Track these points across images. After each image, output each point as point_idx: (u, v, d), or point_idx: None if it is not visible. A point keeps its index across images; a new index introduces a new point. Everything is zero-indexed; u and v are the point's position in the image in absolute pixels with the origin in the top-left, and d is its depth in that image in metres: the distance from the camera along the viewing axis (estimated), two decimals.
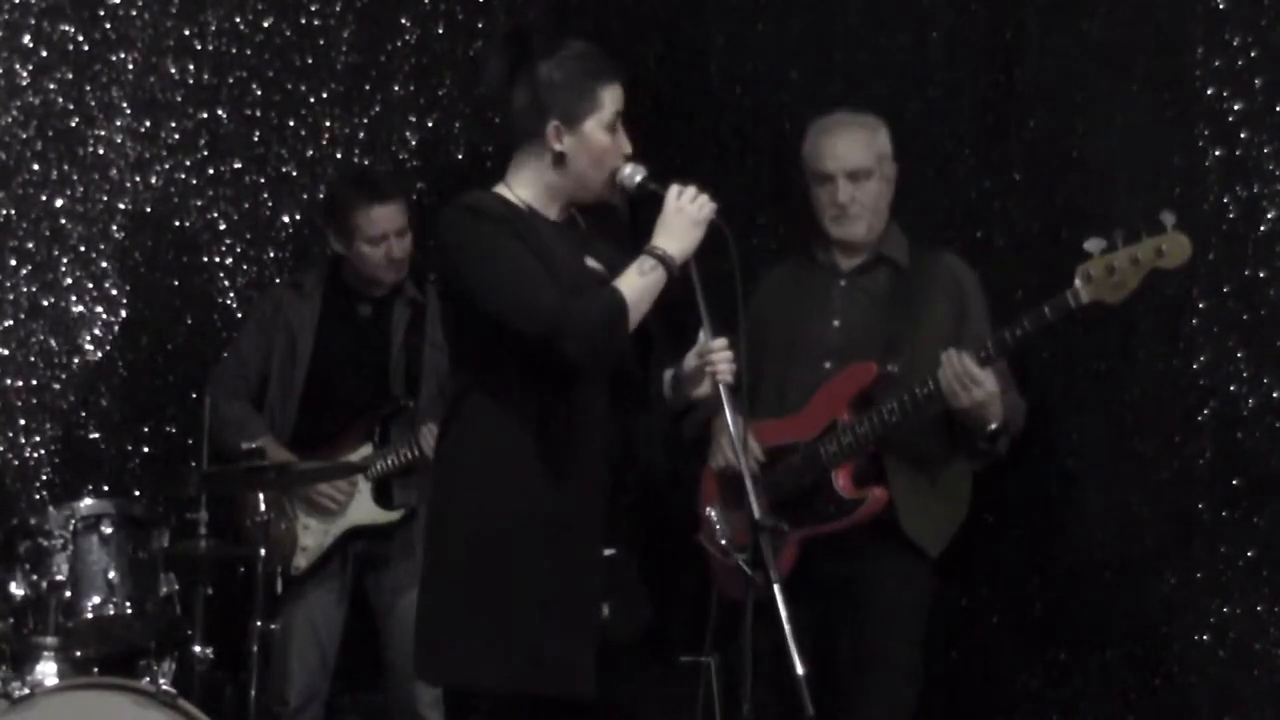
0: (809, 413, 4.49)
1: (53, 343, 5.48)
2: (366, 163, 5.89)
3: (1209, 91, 4.58)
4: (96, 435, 5.54)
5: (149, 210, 5.63)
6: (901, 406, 4.37)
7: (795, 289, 4.69)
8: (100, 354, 5.55)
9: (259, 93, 5.80)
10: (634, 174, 3.75)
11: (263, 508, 4.76)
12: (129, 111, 5.59)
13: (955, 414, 4.38)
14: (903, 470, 4.47)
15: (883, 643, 4.49)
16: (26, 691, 4.34)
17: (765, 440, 4.44)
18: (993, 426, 4.36)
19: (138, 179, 5.61)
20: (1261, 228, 4.49)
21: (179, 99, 5.67)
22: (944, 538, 4.55)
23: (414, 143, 6.03)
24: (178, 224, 5.68)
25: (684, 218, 3.67)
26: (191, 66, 5.69)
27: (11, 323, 5.43)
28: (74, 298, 5.52)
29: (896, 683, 4.50)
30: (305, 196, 5.85)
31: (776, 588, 3.36)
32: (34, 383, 5.45)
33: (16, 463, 5.41)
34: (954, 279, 4.59)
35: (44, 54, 5.48)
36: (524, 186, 3.79)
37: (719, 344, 3.64)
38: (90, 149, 5.54)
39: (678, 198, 3.68)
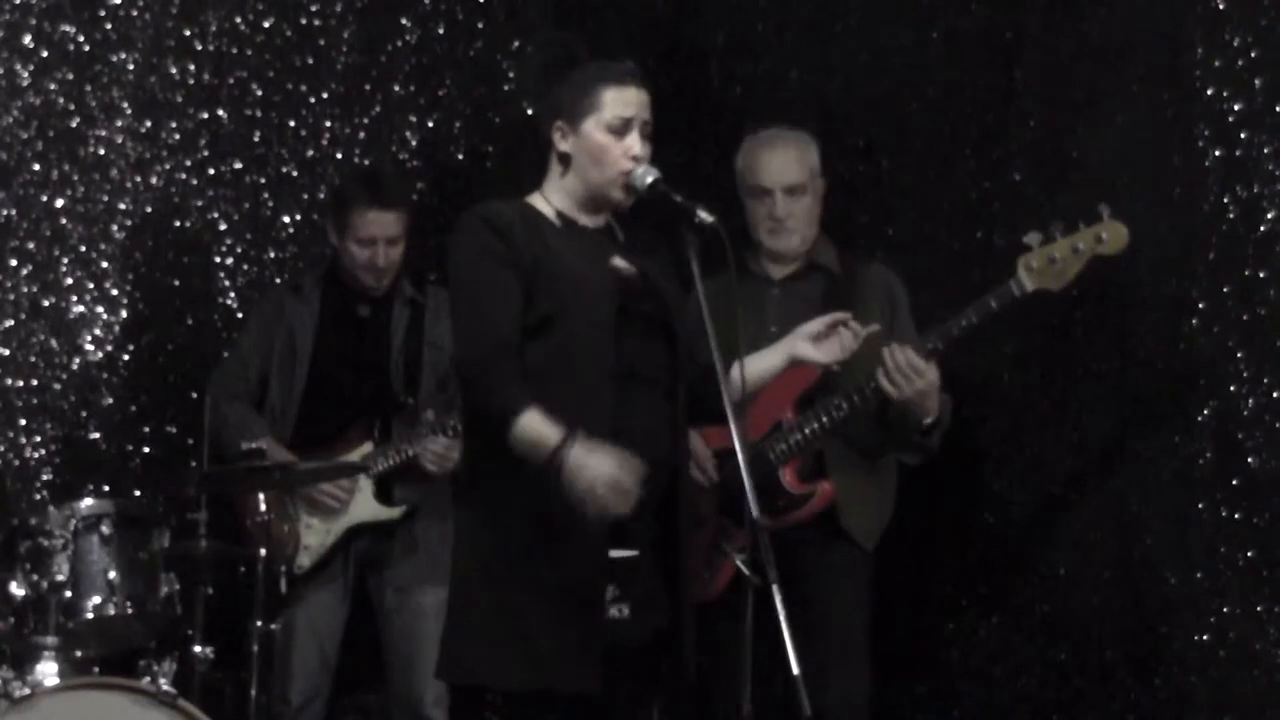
0: (753, 414, 4.50)
1: (53, 343, 5.48)
2: (367, 163, 5.89)
3: (1209, 91, 4.58)
4: (96, 435, 5.53)
5: (149, 210, 5.62)
6: (850, 403, 4.47)
7: (728, 298, 4.70)
8: (100, 354, 5.55)
9: (259, 93, 5.80)
10: (645, 175, 3.80)
11: (263, 507, 4.76)
12: (129, 112, 5.59)
13: (891, 409, 4.47)
14: (841, 466, 4.56)
15: (832, 635, 4.53)
16: (27, 691, 4.34)
17: (712, 443, 4.49)
18: (928, 420, 4.45)
19: (138, 179, 5.60)
20: (1261, 228, 4.49)
21: (179, 99, 5.67)
22: (878, 531, 4.67)
23: (414, 143, 6.03)
24: (178, 224, 5.68)
25: (583, 481, 3.55)
26: (192, 67, 5.69)
27: (12, 323, 5.42)
28: (74, 298, 5.52)
29: (848, 673, 4.56)
30: (305, 196, 5.85)
31: (775, 588, 3.36)
32: (34, 383, 5.45)
33: (17, 463, 5.40)
34: (885, 284, 4.74)
35: (45, 54, 5.48)
36: (552, 192, 3.90)
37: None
38: (91, 149, 5.54)
39: (595, 484, 3.54)
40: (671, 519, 3.80)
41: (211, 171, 5.73)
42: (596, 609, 3.70)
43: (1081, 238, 4.30)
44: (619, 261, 3.85)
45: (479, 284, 3.74)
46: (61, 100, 5.50)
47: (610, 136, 3.81)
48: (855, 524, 4.60)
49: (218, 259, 5.75)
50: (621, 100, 3.84)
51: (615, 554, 3.74)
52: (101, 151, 5.56)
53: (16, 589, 4.49)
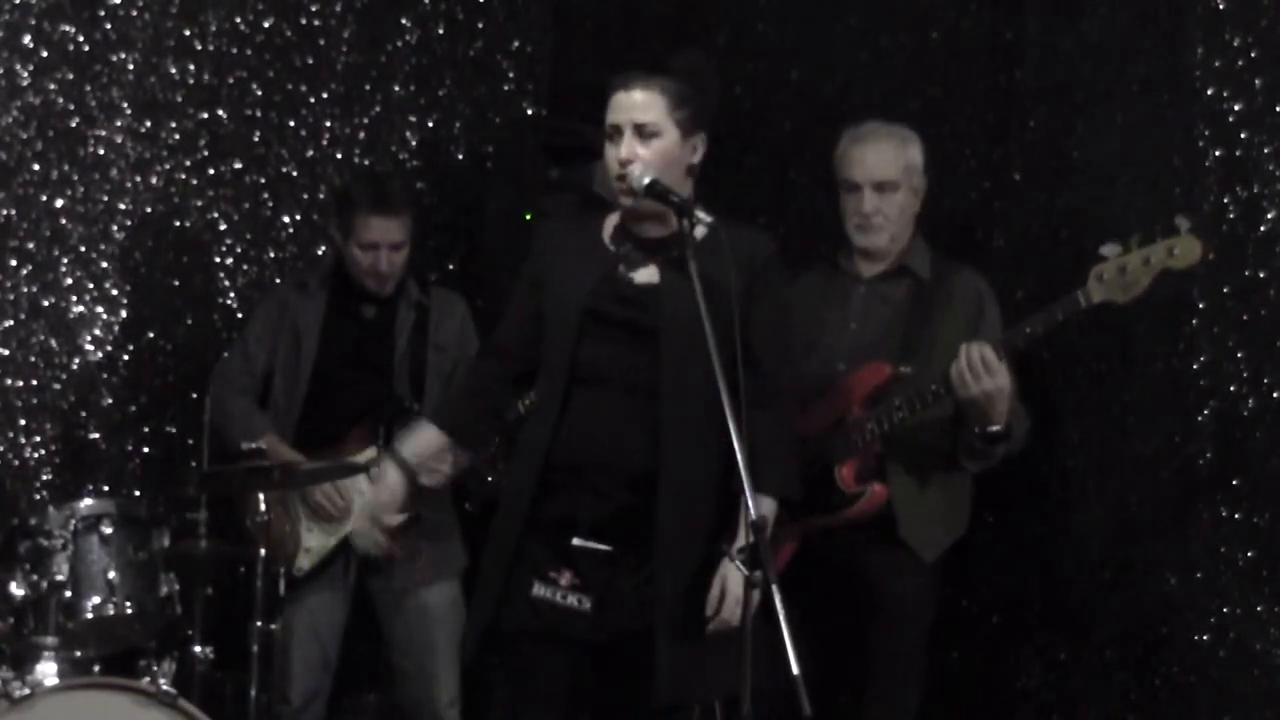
0: (821, 408, 4.50)
1: (53, 343, 5.48)
2: (367, 163, 5.90)
3: (1209, 91, 4.58)
4: (96, 435, 5.53)
5: (149, 210, 5.62)
6: (909, 403, 4.39)
7: (817, 294, 4.71)
8: (100, 354, 5.55)
9: (259, 93, 5.80)
10: (643, 177, 3.85)
11: (263, 508, 4.76)
12: (129, 112, 5.59)
13: (959, 411, 4.39)
14: (904, 475, 4.49)
15: (885, 642, 4.50)
16: (26, 691, 4.34)
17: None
18: (995, 428, 4.35)
19: (138, 179, 5.60)
20: (1261, 228, 4.49)
21: (179, 99, 5.67)
22: (940, 545, 4.58)
23: (414, 143, 6.03)
24: (178, 224, 5.68)
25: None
26: (191, 66, 5.69)
27: (11, 323, 5.42)
28: (74, 298, 5.52)
29: (898, 683, 4.52)
30: (305, 196, 5.86)
31: (774, 588, 3.36)
32: (34, 383, 5.45)
33: (16, 463, 5.40)
34: (974, 293, 4.62)
35: (44, 54, 5.47)
36: None
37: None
38: (90, 149, 5.54)
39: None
40: (651, 524, 3.82)
41: (211, 171, 5.73)
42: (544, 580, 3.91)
43: (1154, 251, 4.20)
44: (623, 270, 3.95)
45: (516, 294, 4.17)
46: (61, 100, 5.50)
47: (609, 143, 3.90)
48: (912, 535, 4.50)
49: (218, 259, 5.75)
50: (613, 106, 3.95)
51: (580, 543, 3.88)
52: (101, 151, 5.56)
53: (16, 589, 4.50)
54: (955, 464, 4.53)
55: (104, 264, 5.55)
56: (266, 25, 5.81)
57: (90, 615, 4.53)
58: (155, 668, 4.52)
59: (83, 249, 5.52)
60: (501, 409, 4.26)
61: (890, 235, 4.62)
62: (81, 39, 5.53)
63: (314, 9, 5.89)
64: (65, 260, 5.50)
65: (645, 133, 3.88)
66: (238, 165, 5.77)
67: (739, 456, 3.52)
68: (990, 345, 4.30)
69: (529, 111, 6.26)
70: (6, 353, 5.41)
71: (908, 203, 4.64)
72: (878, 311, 4.62)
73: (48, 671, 4.48)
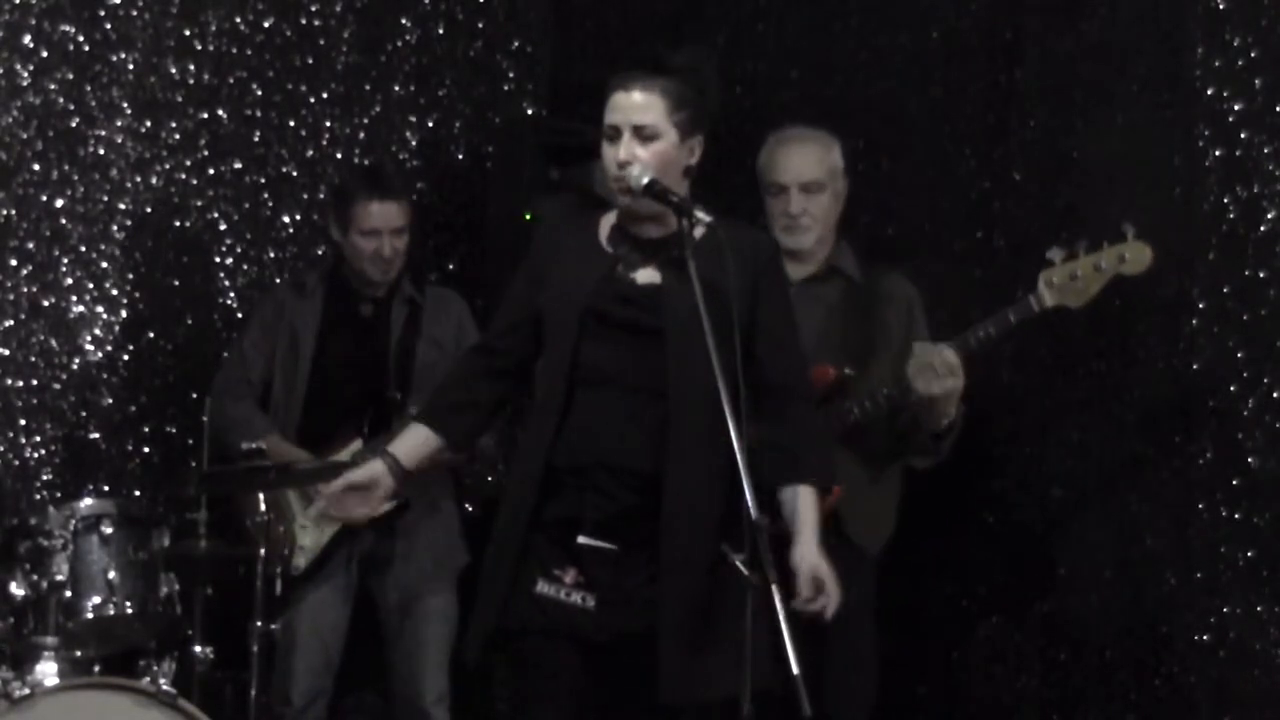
0: None
1: (53, 343, 5.48)
2: (366, 163, 5.89)
3: (1209, 91, 4.58)
4: (96, 435, 5.53)
5: (149, 210, 5.62)
6: (862, 409, 4.46)
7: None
8: (100, 354, 5.55)
9: (259, 93, 5.80)
10: (641, 177, 3.85)
11: (263, 508, 4.76)
12: (129, 112, 5.59)
13: (902, 416, 4.46)
14: (847, 473, 4.51)
15: (843, 638, 4.51)
16: (26, 691, 4.34)
17: None
18: (944, 422, 4.42)
19: (138, 179, 5.60)
20: (1261, 228, 4.49)
21: (179, 99, 5.67)
22: (883, 537, 4.65)
23: (414, 143, 6.03)
24: (178, 224, 5.67)
25: None
26: (191, 66, 5.69)
27: (11, 323, 5.42)
28: (74, 298, 5.51)
29: (859, 676, 4.56)
30: (305, 196, 5.85)
31: (774, 588, 3.36)
32: (34, 383, 5.45)
33: (16, 463, 5.40)
34: (903, 295, 4.69)
35: (44, 54, 5.47)
36: None
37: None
38: (90, 149, 5.54)
39: None
40: (657, 524, 3.82)
41: (211, 171, 5.72)
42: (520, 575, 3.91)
43: (1105, 256, 4.29)
44: (622, 270, 3.94)
45: (510, 290, 4.16)
46: (61, 100, 5.50)
47: (607, 143, 3.89)
48: (858, 530, 4.55)
49: (218, 259, 5.75)
50: (612, 107, 3.94)
51: (586, 541, 3.87)
52: (101, 151, 5.56)
53: (16, 589, 4.49)
54: (890, 456, 4.60)
55: (104, 264, 5.55)
56: (266, 25, 5.81)
57: (90, 615, 4.53)
58: (155, 668, 4.52)
59: (83, 249, 5.52)
60: (489, 404, 4.22)
61: (817, 236, 4.68)
62: (81, 39, 5.53)
63: (314, 9, 5.89)
64: (65, 260, 5.49)
65: (644, 135, 3.88)
66: (238, 165, 5.77)
67: (738, 458, 3.53)
68: (950, 347, 4.35)
69: (529, 111, 6.26)
70: (6, 353, 5.41)
71: (832, 204, 4.70)
72: (814, 314, 4.62)
73: (48, 671, 4.48)
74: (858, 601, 4.55)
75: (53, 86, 5.48)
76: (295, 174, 5.85)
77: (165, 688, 4.41)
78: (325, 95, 5.89)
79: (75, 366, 5.51)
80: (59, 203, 5.49)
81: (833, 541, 4.47)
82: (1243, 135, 4.52)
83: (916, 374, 4.35)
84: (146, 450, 5.60)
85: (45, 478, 5.44)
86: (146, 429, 5.60)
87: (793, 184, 4.65)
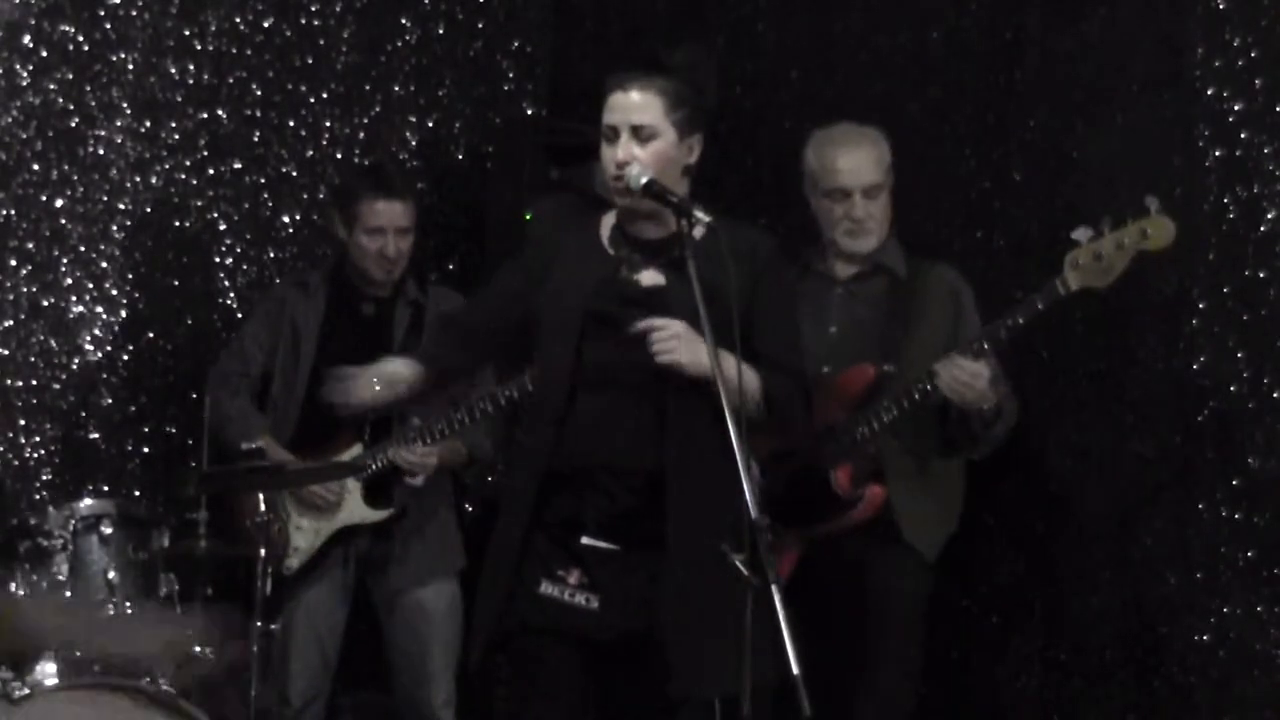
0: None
1: (53, 343, 5.48)
2: (367, 163, 5.89)
3: (1209, 91, 4.58)
4: (96, 435, 5.53)
5: (149, 210, 5.62)
6: (898, 404, 4.42)
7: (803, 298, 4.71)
8: (100, 354, 5.55)
9: (259, 93, 5.80)
10: (640, 177, 3.84)
11: (263, 508, 4.76)
12: (129, 111, 5.59)
13: (953, 409, 4.42)
14: (900, 475, 4.49)
15: (882, 642, 4.51)
16: (26, 691, 4.33)
17: (765, 443, 4.44)
18: (985, 407, 4.39)
19: (138, 179, 5.61)
20: (1261, 228, 4.49)
21: (179, 99, 5.67)
22: (940, 541, 4.61)
23: (414, 143, 6.03)
24: (178, 224, 5.68)
25: None
26: (191, 66, 5.69)
27: (11, 323, 5.42)
28: (74, 298, 5.52)
29: (895, 683, 4.52)
30: (305, 196, 5.85)
31: (775, 589, 3.36)
32: (34, 383, 5.45)
33: (16, 463, 5.41)
34: (951, 289, 4.64)
35: (44, 54, 5.48)
36: None
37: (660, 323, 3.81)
38: (90, 149, 5.54)
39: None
40: (659, 524, 3.82)
41: (211, 171, 5.73)
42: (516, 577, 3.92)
43: (1127, 233, 4.23)
44: (625, 272, 3.94)
45: (491, 282, 4.20)
46: (61, 100, 5.50)
47: (605, 143, 3.89)
48: (915, 535, 4.53)
49: (218, 259, 5.75)
50: (610, 107, 3.94)
51: (589, 542, 3.87)
52: (101, 151, 5.56)
53: (16, 589, 4.49)
54: (947, 458, 4.57)
55: (104, 264, 5.55)
56: (266, 25, 5.81)
57: None
58: (155, 668, 4.52)
59: (83, 249, 5.53)
60: (460, 364, 4.31)
61: (878, 237, 4.65)
62: (81, 39, 5.53)
63: (314, 9, 5.89)
64: (65, 260, 5.50)
65: (642, 134, 3.87)
66: (238, 165, 5.77)
67: (739, 457, 3.53)
68: (961, 357, 4.32)
69: (529, 111, 6.26)
70: (6, 353, 5.42)
71: (888, 202, 4.67)
72: (857, 313, 4.62)
73: (48, 671, 4.47)
74: (910, 603, 4.55)
75: (53, 86, 5.48)
76: (295, 174, 5.85)
77: (165, 688, 4.41)
78: (325, 95, 5.90)
79: (75, 366, 5.51)
80: (59, 203, 5.49)
81: (889, 545, 4.49)
82: (1243, 135, 4.52)
83: (944, 388, 4.33)
84: (146, 450, 5.60)
85: (45, 478, 5.44)
86: (146, 429, 5.61)
87: (856, 188, 4.60)
